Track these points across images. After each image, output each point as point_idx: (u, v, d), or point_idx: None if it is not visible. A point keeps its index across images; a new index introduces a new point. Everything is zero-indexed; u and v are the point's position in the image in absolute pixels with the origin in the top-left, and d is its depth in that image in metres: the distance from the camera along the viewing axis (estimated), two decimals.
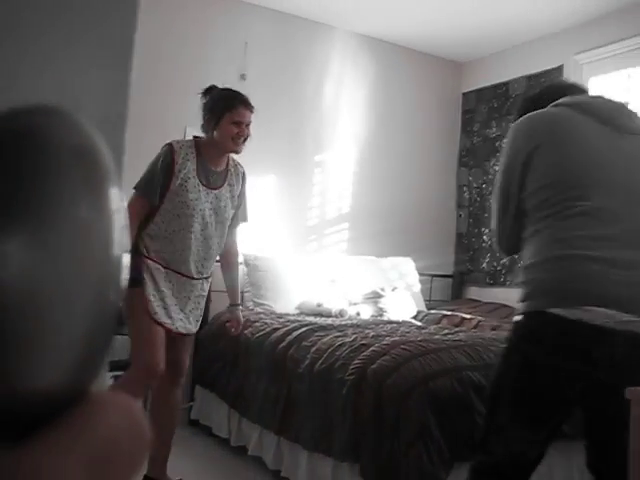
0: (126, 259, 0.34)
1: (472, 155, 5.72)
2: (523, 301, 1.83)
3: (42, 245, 0.29)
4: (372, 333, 3.35)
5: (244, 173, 3.23)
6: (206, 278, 3.14)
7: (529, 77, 5.24)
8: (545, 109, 2.00)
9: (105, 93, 0.70)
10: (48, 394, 0.30)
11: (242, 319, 3.36)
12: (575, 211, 1.81)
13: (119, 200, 0.33)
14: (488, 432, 1.93)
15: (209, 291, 4.46)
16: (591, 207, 1.80)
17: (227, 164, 3.13)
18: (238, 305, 3.37)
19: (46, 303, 0.29)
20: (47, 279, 0.29)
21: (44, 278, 0.29)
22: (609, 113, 1.94)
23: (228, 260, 3.31)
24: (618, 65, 4.65)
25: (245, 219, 3.26)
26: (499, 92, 5.53)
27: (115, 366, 4.00)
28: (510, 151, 1.98)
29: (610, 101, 2.00)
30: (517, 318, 1.86)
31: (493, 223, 2.07)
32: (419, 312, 4.71)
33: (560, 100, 1.99)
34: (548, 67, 5.06)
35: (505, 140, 2.07)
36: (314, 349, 3.25)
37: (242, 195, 3.20)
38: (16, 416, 0.30)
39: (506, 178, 1.97)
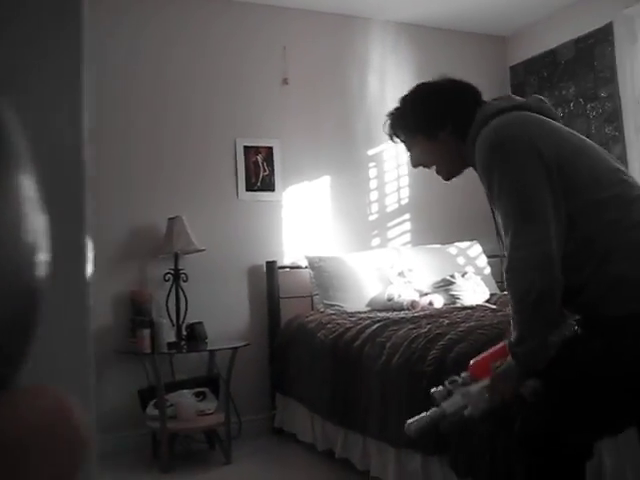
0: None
1: None
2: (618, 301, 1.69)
3: None
4: (447, 322, 3.27)
5: None
6: None
7: (577, 40, 5.06)
8: (513, 116, 1.87)
9: (56, 128, 0.69)
10: None
11: None
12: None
13: (30, 188, 0.30)
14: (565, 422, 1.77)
15: (278, 298, 4.48)
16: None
17: None
18: None
19: None
20: None
21: None
22: (550, 110, 1.96)
23: None
24: None
25: None
26: (547, 61, 5.36)
27: (194, 383, 4.03)
28: (520, 164, 1.75)
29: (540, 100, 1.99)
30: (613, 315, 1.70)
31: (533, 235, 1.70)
32: (492, 295, 4.58)
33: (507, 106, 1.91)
34: (596, 26, 4.87)
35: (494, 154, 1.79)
36: (389, 344, 3.19)
37: None
38: None
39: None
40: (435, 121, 2.00)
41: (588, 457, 1.81)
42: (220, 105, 4.57)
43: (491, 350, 1.91)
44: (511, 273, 1.74)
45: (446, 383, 1.88)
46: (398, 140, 2.13)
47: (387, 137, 2.18)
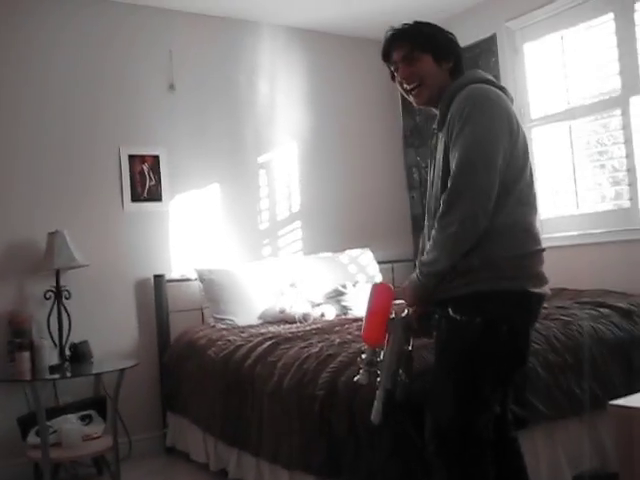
0: None
1: (417, 134, 5.63)
2: (506, 280, 1.99)
3: None
4: (338, 340, 3.25)
5: None
6: None
7: (463, 49, 5.14)
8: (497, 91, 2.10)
9: None
10: None
11: None
12: (530, 200, 2.08)
13: None
14: (468, 403, 2.01)
15: (167, 312, 4.34)
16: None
17: None
18: None
19: None
20: None
21: None
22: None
23: None
24: (551, 28, 4.58)
25: None
26: None
27: (80, 406, 3.86)
28: (497, 122, 1.98)
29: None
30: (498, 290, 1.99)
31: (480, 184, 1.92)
32: None
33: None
34: (480, 37, 4.98)
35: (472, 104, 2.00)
36: (280, 364, 3.14)
37: None
38: None
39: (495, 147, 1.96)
40: (448, 50, 2.21)
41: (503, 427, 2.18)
42: (103, 113, 4.36)
43: (371, 315, 2.20)
44: (449, 201, 1.94)
45: (361, 367, 2.12)
46: (392, 57, 2.20)
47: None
